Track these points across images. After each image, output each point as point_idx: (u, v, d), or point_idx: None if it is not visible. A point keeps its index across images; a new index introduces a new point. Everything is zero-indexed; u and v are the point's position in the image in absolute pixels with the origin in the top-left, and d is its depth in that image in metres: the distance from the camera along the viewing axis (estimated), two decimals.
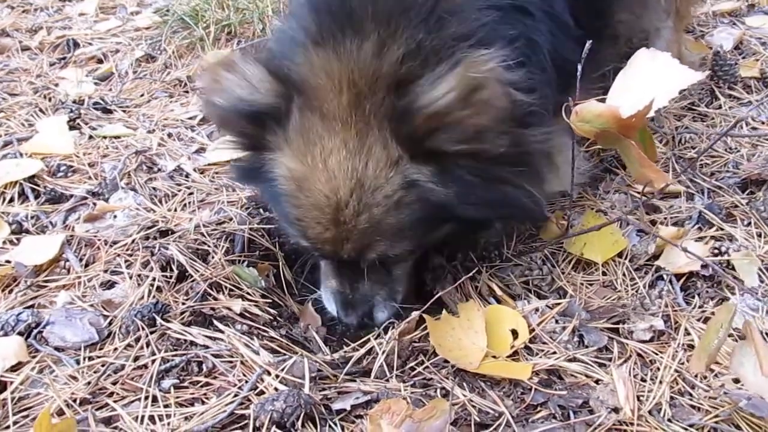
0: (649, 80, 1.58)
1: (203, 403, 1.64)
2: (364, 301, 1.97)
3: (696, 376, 1.71)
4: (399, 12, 1.71)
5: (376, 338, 1.86)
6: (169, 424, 1.59)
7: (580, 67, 1.74)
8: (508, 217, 2.01)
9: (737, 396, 1.59)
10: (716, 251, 2.06)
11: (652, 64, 1.60)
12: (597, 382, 1.71)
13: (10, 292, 2.05)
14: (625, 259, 2.13)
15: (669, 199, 2.37)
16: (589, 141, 2.59)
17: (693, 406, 1.63)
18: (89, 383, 1.69)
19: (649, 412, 1.61)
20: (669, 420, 1.59)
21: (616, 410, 1.61)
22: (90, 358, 1.78)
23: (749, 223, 2.19)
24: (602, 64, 2.39)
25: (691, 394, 1.66)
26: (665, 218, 2.26)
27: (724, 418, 1.58)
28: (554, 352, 1.81)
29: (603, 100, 1.66)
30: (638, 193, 2.29)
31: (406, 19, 1.70)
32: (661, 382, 1.69)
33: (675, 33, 2.88)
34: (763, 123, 2.70)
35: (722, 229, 2.16)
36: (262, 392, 1.65)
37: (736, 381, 1.67)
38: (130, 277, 2.03)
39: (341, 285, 1.98)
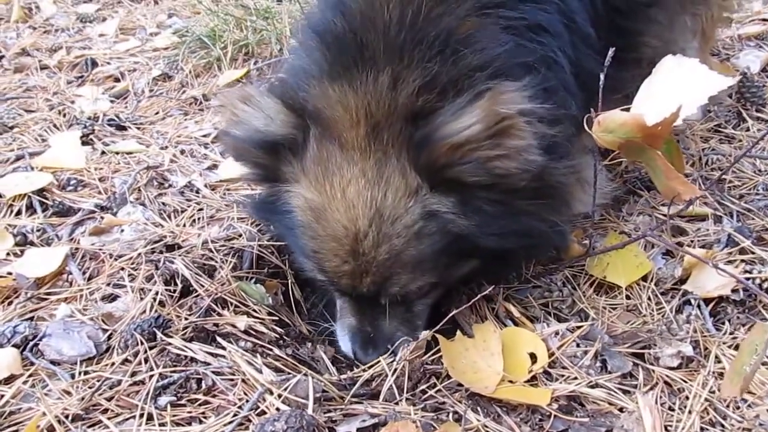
0: (675, 87, 1.49)
1: (201, 422, 1.55)
2: (385, 340, 1.86)
3: (728, 405, 1.59)
4: (411, 46, 1.68)
5: (386, 359, 1.76)
6: None
7: (602, 76, 1.66)
8: (530, 248, 1.92)
9: None
10: (747, 275, 1.95)
11: (679, 71, 1.51)
12: (621, 410, 1.60)
13: (10, 304, 1.99)
14: (650, 282, 2.03)
15: (696, 222, 2.26)
16: (612, 160, 2.53)
17: None
18: (83, 398, 1.61)
19: None
20: None
21: None
22: (86, 373, 1.71)
23: None
24: (625, 85, 2.31)
25: (723, 425, 1.55)
26: (692, 241, 2.15)
27: None
28: (575, 378, 1.70)
29: (627, 110, 1.57)
30: (663, 215, 2.19)
31: (419, 53, 1.68)
32: (690, 412, 1.57)
33: (701, 53, 2.79)
34: None
35: (753, 253, 2.05)
36: (263, 412, 1.55)
37: None
38: (133, 291, 1.95)
39: (360, 322, 1.88)
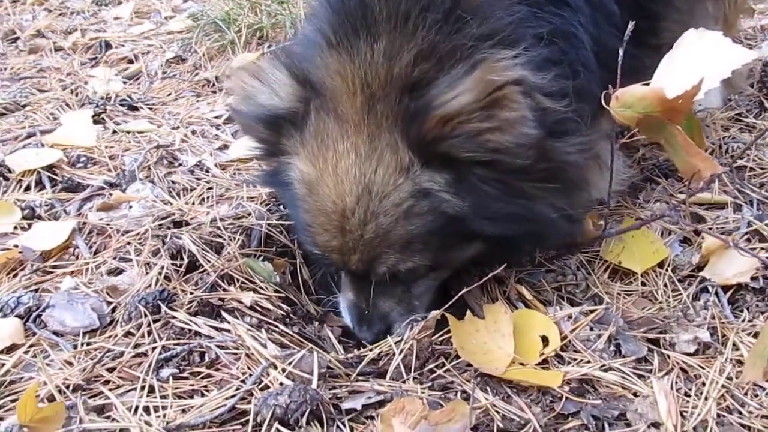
0: (697, 60, 1.43)
1: (203, 395, 1.52)
2: (380, 318, 1.82)
3: (746, 393, 1.54)
4: (417, 12, 1.60)
5: (393, 338, 1.73)
6: (164, 416, 1.47)
7: (621, 51, 1.61)
8: (535, 236, 1.82)
9: None
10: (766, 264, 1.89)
11: (701, 44, 1.45)
12: (635, 394, 1.55)
13: (15, 276, 1.97)
14: (667, 269, 1.98)
15: (715, 210, 2.20)
16: (629, 146, 2.48)
17: (743, 425, 1.46)
18: (84, 369, 1.58)
19: (694, 429, 1.44)
20: None
21: (656, 425, 1.45)
22: (88, 344, 1.68)
23: None
24: (646, 71, 2.25)
25: (740, 412, 1.49)
26: (711, 228, 2.09)
27: None
28: (588, 361, 1.65)
29: (647, 85, 1.52)
30: (681, 201, 2.13)
31: (422, 19, 1.59)
32: (707, 398, 1.52)
33: None
34: None
35: None
36: (266, 387, 1.52)
37: None
38: (138, 265, 1.93)
39: (357, 298, 1.84)
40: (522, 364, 1.64)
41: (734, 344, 1.68)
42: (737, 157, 2.22)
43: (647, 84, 1.51)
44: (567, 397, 1.52)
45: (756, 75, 2.83)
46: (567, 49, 1.72)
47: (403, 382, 1.59)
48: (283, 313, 1.86)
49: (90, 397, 1.52)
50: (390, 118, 1.59)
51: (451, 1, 1.61)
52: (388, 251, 1.66)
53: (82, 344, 1.68)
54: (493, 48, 1.58)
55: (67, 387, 1.54)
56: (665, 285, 1.93)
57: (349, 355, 1.71)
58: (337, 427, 1.44)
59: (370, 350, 1.73)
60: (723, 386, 1.55)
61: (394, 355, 1.65)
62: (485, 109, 1.49)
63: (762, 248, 1.98)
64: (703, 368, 1.61)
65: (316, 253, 1.79)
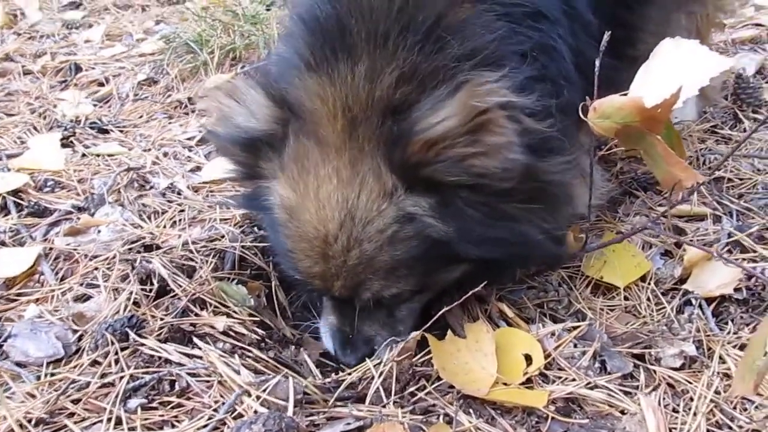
0: (675, 70, 1.41)
1: (173, 426, 1.45)
2: (363, 342, 1.77)
3: (735, 407, 1.50)
4: (396, 32, 1.56)
5: (372, 361, 1.67)
6: None
7: (598, 62, 1.58)
8: (520, 257, 1.80)
9: None
10: (750, 274, 1.86)
11: (678, 53, 1.43)
12: (623, 412, 1.51)
13: None
14: (650, 282, 1.95)
15: (695, 222, 2.19)
16: (608, 161, 2.47)
17: None
18: (48, 401, 1.50)
19: None
20: None
21: None
22: (52, 375, 1.60)
23: None
24: (622, 82, 2.24)
25: (730, 427, 1.46)
26: (691, 240, 2.07)
27: None
28: (573, 379, 1.61)
29: (625, 95, 1.49)
30: (663, 215, 2.10)
31: (402, 40, 1.56)
32: (695, 414, 1.48)
33: None
34: None
35: (755, 251, 1.97)
36: (240, 415, 1.45)
37: None
38: (106, 291, 1.85)
39: (340, 322, 1.79)
40: (505, 384, 1.59)
41: (720, 357, 1.65)
42: (715, 169, 2.21)
43: (625, 94, 1.48)
44: (553, 417, 1.48)
45: (729, 87, 2.84)
46: (548, 64, 1.69)
47: (383, 406, 1.52)
48: (258, 338, 1.80)
49: None
50: (372, 142, 1.55)
51: (432, 20, 1.58)
52: (372, 277, 1.62)
53: (46, 375, 1.60)
54: (475, 69, 1.55)
55: (29, 421, 1.46)
56: (648, 299, 1.90)
57: (327, 380, 1.65)
58: None
59: (349, 374, 1.66)
60: (711, 401, 1.52)
61: (373, 378, 1.59)
62: (470, 134, 1.46)
63: (744, 259, 1.96)
64: (690, 383, 1.58)
65: (298, 278, 1.74)
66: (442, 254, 1.63)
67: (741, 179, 2.35)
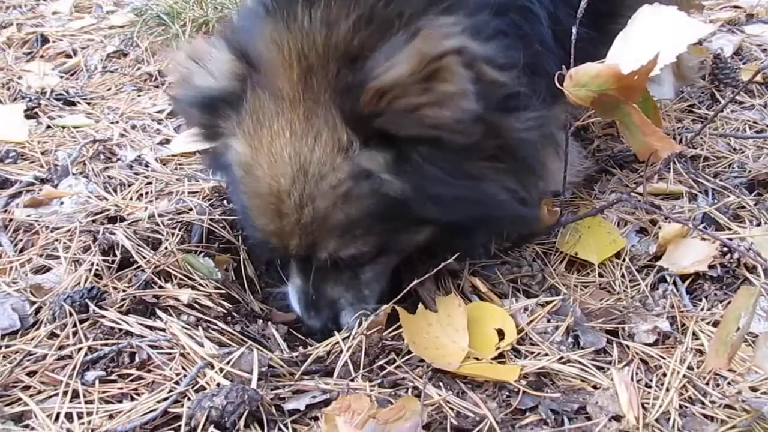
0: (653, 36, 1.38)
1: (132, 399, 1.40)
2: (328, 305, 1.73)
3: (707, 382, 1.48)
4: None
5: (341, 335, 1.62)
6: (89, 422, 1.34)
7: (575, 30, 1.54)
8: (485, 220, 1.70)
9: (758, 404, 1.37)
10: (726, 250, 1.85)
11: (657, 19, 1.40)
12: (595, 387, 1.48)
13: None
14: (624, 259, 1.92)
15: (670, 200, 2.17)
16: (585, 135, 2.44)
17: (706, 416, 1.40)
18: (1, 374, 1.44)
19: (656, 420, 1.38)
20: (679, 430, 1.36)
21: (617, 418, 1.38)
22: (7, 347, 1.53)
23: (759, 224, 1.99)
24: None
25: (703, 402, 1.44)
26: (667, 218, 2.05)
27: (743, 428, 1.36)
28: (546, 354, 1.58)
29: (602, 63, 1.46)
30: (639, 193, 2.08)
31: None
32: (668, 389, 1.46)
33: None
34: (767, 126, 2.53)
35: (730, 229, 1.96)
36: (202, 388, 1.40)
37: (754, 389, 1.46)
38: (66, 262, 1.78)
39: (304, 284, 1.73)
40: (477, 358, 1.56)
41: (694, 333, 1.63)
42: (688, 143, 2.19)
43: (602, 62, 1.44)
44: (524, 392, 1.45)
45: (707, 67, 2.82)
46: (521, 23, 1.63)
47: (351, 380, 1.48)
48: (224, 311, 1.74)
49: (7, 405, 1.39)
50: (328, 92, 1.48)
51: None
52: (328, 236, 1.55)
53: (1, 347, 1.54)
54: (435, 15, 1.48)
55: None
56: (623, 275, 1.88)
57: (294, 354, 1.60)
58: (279, 428, 1.33)
59: (317, 348, 1.62)
60: (684, 376, 1.50)
61: (341, 352, 1.55)
62: (422, 82, 1.38)
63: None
64: (663, 358, 1.56)
65: (258, 236, 1.68)
66: (402, 214, 1.55)
67: (717, 158, 2.33)
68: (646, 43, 1.37)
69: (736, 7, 3.54)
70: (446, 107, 1.40)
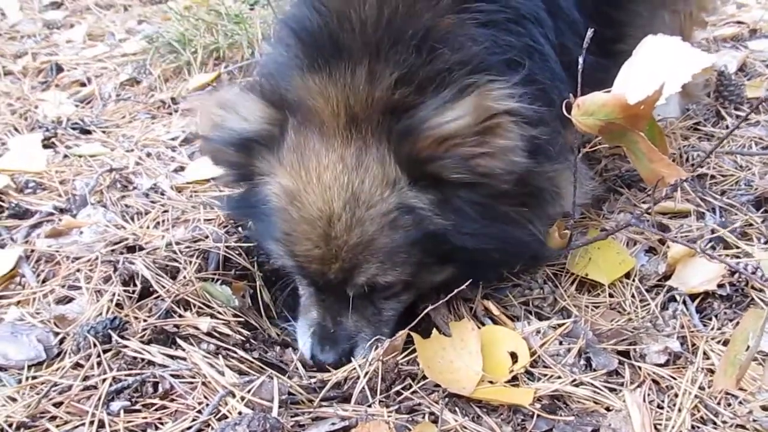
0: (657, 66, 1.42)
1: (156, 428, 1.44)
2: (346, 338, 1.77)
3: (719, 402, 1.51)
4: (388, 45, 1.63)
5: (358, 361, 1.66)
6: None
7: (581, 59, 1.58)
8: (507, 255, 1.83)
9: None
10: (733, 270, 1.87)
11: (660, 49, 1.44)
12: (608, 408, 1.51)
13: None
14: (634, 279, 1.95)
15: (678, 219, 2.20)
16: (591, 159, 2.47)
17: None
18: (29, 405, 1.48)
19: None
20: None
21: None
22: (33, 378, 1.58)
23: (767, 242, 2.01)
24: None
25: (714, 423, 1.46)
26: (675, 237, 2.08)
27: None
28: (558, 377, 1.61)
29: (608, 92, 1.49)
30: (647, 211, 2.11)
31: (395, 51, 1.63)
32: (680, 410, 1.49)
33: None
34: None
35: (738, 247, 1.98)
36: (224, 417, 1.44)
37: (765, 409, 1.48)
38: (88, 293, 1.83)
39: (323, 317, 1.80)
40: (491, 382, 1.59)
41: (705, 353, 1.66)
42: (698, 165, 2.22)
43: (608, 91, 1.48)
44: (539, 415, 1.48)
45: (712, 85, 2.86)
46: (534, 68, 1.73)
47: (369, 406, 1.52)
48: (243, 339, 1.79)
49: None
50: (375, 136, 1.62)
51: (423, 31, 1.64)
52: (371, 259, 1.65)
53: (27, 378, 1.59)
54: (471, 74, 1.62)
55: (10, 425, 1.44)
56: (633, 295, 1.91)
57: (312, 380, 1.64)
58: None
59: (334, 374, 1.65)
60: (696, 396, 1.52)
61: (358, 378, 1.59)
62: (480, 135, 1.54)
63: (727, 255, 1.97)
64: (674, 379, 1.58)
65: (292, 263, 1.75)
66: (437, 245, 1.67)
67: (724, 176, 2.36)
68: (651, 73, 1.41)
69: (739, 22, 3.58)
70: (499, 159, 1.57)
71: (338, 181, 1.61)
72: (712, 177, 2.35)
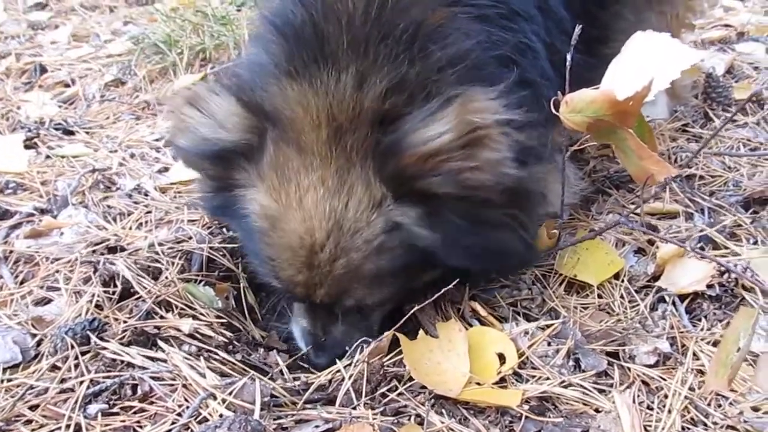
0: (646, 63, 1.40)
1: None
2: (336, 346, 1.75)
3: (710, 403, 1.49)
4: (377, 41, 1.53)
5: (342, 363, 1.63)
6: None
7: (569, 57, 1.57)
8: (496, 262, 1.79)
9: (760, 424, 1.37)
10: (723, 270, 1.86)
11: (649, 46, 1.42)
12: (597, 410, 1.49)
13: None
14: (623, 280, 1.93)
15: (667, 219, 2.18)
16: (579, 160, 2.46)
17: None
18: (3, 408, 1.44)
19: None
20: None
21: None
22: (9, 380, 1.53)
23: (755, 242, 2.00)
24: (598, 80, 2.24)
25: (705, 424, 1.44)
26: (665, 237, 2.06)
27: None
28: (547, 378, 1.58)
29: (597, 89, 1.48)
30: (636, 213, 2.09)
31: (386, 48, 1.53)
32: (670, 411, 1.47)
33: None
34: (761, 144, 2.55)
35: (727, 248, 1.97)
36: (205, 419, 1.40)
37: (756, 410, 1.46)
38: (67, 294, 1.79)
39: (313, 326, 1.77)
40: (478, 383, 1.56)
41: (694, 354, 1.64)
42: (685, 165, 2.21)
43: (597, 88, 1.46)
44: (527, 417, 1.45)
45: (700, 86, 2.85)
46: (526, 66, 1.69)
47: (354, 408, 1.49)
48: (226, 340, 1.75)
49: None
50: (361, 152, 1.53)
51: (414, 26, 1.56)
52: (357, 286, 1.61)
53: (2, 381, 1.54)
54: (459, 80, 1.55)
55: None
56: (622, 296, 1.89)
57: (296, 383, 1.60)
58: None
59: (318, 376, 1.62)
60: (686, 397, 1.50)
61: (343, 380, 1.55)
62: (465, 148, 1.46)
63: (716, 255, 1.95)
64: (664, 380, 1.56)
65: (277, 285, 1.70)
66: (425, 261, 1.63)
67: (712, 177, 2.35)
68: (640, 69, 1.40)
69: (726, 25, 3.59)
70: (487, 172, 1.48)
71: (320, 207, 1.53)
72: (701, 178, 2.34)
